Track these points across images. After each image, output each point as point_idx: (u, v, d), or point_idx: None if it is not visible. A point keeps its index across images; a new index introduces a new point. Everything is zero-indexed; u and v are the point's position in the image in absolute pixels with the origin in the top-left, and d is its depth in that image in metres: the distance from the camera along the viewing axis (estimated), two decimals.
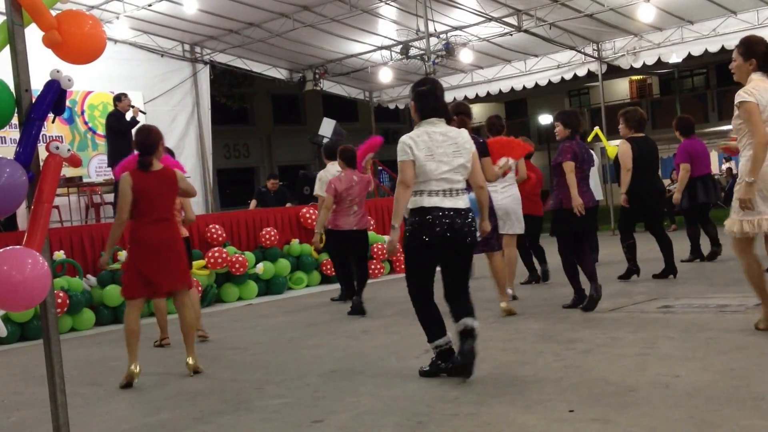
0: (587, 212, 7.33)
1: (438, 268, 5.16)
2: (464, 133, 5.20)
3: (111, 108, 12.54)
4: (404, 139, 5.09)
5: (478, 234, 5.19)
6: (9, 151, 5.77)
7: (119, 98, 12.18)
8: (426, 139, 5.03)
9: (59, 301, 8.60)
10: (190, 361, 5.97)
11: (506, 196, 8.08)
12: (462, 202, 5.05)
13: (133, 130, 7.92)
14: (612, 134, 15.82)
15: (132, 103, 12.06)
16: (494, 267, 7.39)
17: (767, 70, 5.44)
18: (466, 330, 4.99)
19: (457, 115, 6.57)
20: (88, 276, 9.42)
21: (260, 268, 10.89)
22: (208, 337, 7.49)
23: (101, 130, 14.88)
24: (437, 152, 5.00)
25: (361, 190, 8.63)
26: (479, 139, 6.96)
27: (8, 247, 3.50)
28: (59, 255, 9.12)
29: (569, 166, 7.30)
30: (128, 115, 11.88)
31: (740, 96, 5.33)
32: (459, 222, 4.98)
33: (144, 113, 12.50)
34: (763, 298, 5.58)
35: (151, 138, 6.04)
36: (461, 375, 4.93)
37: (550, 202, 7.67)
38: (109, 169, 14.73)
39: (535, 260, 9.69)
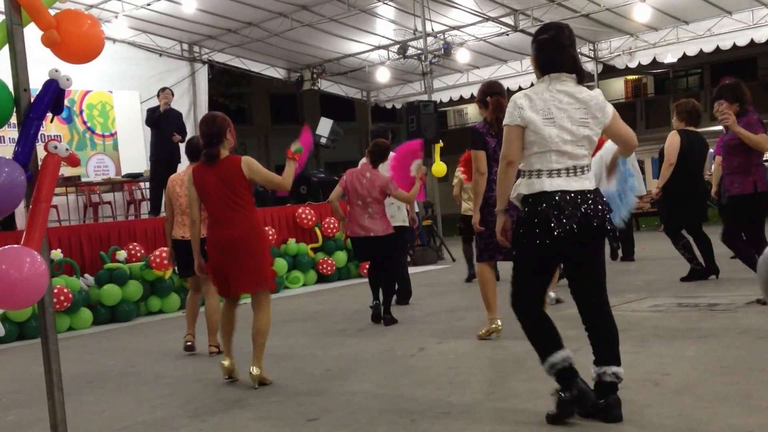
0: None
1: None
2: (598, 95, 4.03)
3: (109, 107, 12.66)
4: (517, 96, 3.99)
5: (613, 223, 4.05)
6: (7, 151, 5.77)
7: (158, 93, 12.44)
8: (547, 98, 3.91)
9: (62, 297, 8.65)
10: (254, 371, 5.30)
11: None
12: (589, 182, 3.94)
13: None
14: None
15: (167, 99, 12.20)
16: None
17: None
18: (607, 384, 3.88)
19: (492, 95, 6.13)
20: (86, 275, 9.46)
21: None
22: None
23: (100, 130, 14.95)
24: (558, 116, 3.88)
25: (374, 189, 7.51)
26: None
27: (6, 246, 3.52)
28: (56, 254, 9.14)
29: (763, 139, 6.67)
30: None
31: None
32: (594, 208, 3.86)
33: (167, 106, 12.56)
34: None
35: (214, 127, 5.38)
36: (609, 421, 3.86)
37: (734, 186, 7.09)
38: (107, 168, 14.80)
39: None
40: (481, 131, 6.15)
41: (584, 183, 3.90)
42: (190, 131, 16.74)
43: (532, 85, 15.00)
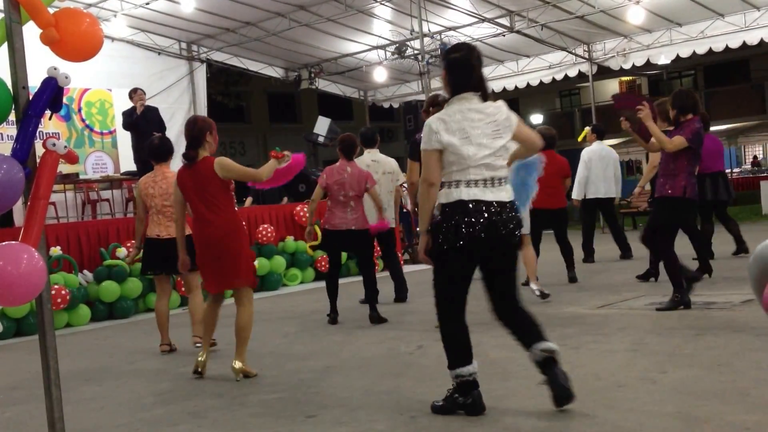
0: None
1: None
2: (502, 106, 4.29)
3: (108, 105, 12.68)
4: (431, 121, 4.20)
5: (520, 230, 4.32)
6: (6, 148, 5.77)
7: (130, 95, 12.37)
8: (459, 119, 4.14)
9: (59, 300, 8.66)
10: (236, 365, 5.49)
11: None
12: (506, 193, 4.21)
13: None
14: (603, 135, 15.86)
15: (141, 100, 12.18)
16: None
17: None
18: (547, 359, 4.15)
19: (434, 107, 6.35)
20: (84, 272, 9.46)
21: (255, 264, 10.93)
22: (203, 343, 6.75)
23: (98, 128, 14.96)
24: (473, 134, 4.12)
25: (356, 184, 7.70)
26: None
27: (4, 243, 3.53)
28: (55, 251, 9.15)
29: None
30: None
31: None
32: (503, 218, 4.12)
33: (153, 107, 12.57)
34: None
35: (195, 130, 5.57)
36: (562, 404, 4.09)
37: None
38: (106, 165, 14.80)
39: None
40: (419, 143, 6.33)
41: (500, 194, 4.16)
42: None
43: (528, 85, 15.09)
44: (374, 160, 8.83)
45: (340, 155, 7.88)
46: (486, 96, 4.26)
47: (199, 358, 5.72)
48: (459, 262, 4.16)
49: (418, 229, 6.54)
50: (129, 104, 12.50)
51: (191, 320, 6.87)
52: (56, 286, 8.63)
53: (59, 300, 8.65)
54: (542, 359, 4.15)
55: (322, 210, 8.06)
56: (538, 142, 4.47)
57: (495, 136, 4.17)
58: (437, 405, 4.31)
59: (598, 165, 10.99)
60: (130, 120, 12.09)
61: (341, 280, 8.08)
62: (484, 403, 4.20)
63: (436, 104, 6.46)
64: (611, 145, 11.06)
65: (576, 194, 11.13)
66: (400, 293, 8.85)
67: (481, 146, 4.12)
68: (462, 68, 4.26)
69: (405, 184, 9.28)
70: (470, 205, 4.08)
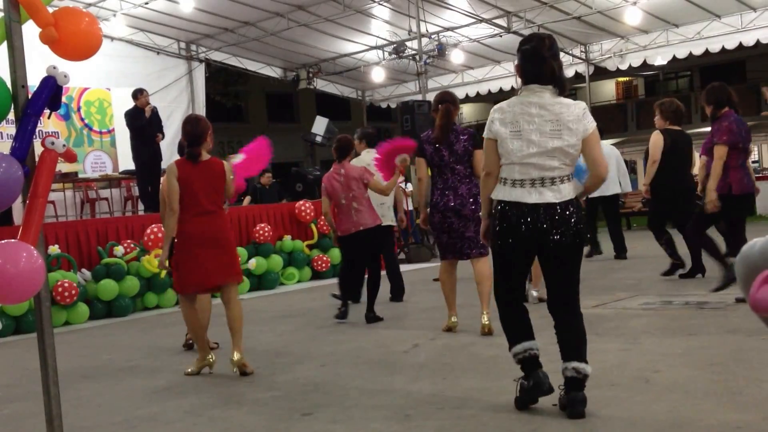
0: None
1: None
2: (576, 107, 4.01)
3: (107, 104, 12.68)
4: (494, 108, 4.12)
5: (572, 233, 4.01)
6: (5, 147, 5.80)
7: (135, 95, 12.39)
8: (517, 111, 3.99)
9: (66, 294, 8.80)
10: (235, 356, 5.58)
11: None
12: (554, 194, 3.94)
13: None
14: (601, 134, 15.92)
15: (148, 100, 12.27)
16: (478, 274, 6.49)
17: None
18: (575, 379, 3.98)
19: (442, 103, 6.43)
20: (83, 270, 9.48)
21: (252, 263, 10.97)
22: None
23: (97, 127, 14.98)
24: (526, 128, 3.94)
25: (353, 183, 7.60)
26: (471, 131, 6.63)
27: (3, 241, 3.55)
28: (54, 249, 9.17)
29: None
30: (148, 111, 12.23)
31: None
32: (549, 220, 3.93)
33: (153, 107, 12.62)
34: None
35: (199, 128, 5.78)
36: (570, 416, 3.99)
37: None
38: (105, 164, 14.80)
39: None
40: (422, 139, 6.59)
41: (547, 195, 3.93)
42: None
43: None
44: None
45: (334, 156, 7.84)
46: (562, 90, 4.04)
47: (210, 359, 5.81)
48: (508, 256, 4.08)
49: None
50: (128, 103, 12.52)
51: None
52: (66, 283, 8.80)
53: (67, 295, 8.80)
54: (570, 377, 3.99)
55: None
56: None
57: (552, 135, 3.92)
58: (517, 398, 4.18)
59: None
60: (140, 122, 12.09)
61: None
62: (549, 383, 4.05)
63: (443, 101, 6.46)
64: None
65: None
66: (396, 292, 8.88)
67: (530, 143, 3.93)
68: (531, 59, 4.06)
69: (402, 184, 9.31)
70: (508, 208, 3.98)
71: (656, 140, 8.47)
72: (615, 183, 11.21)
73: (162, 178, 6.88)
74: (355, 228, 7.59)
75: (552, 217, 3.92)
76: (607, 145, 11.68)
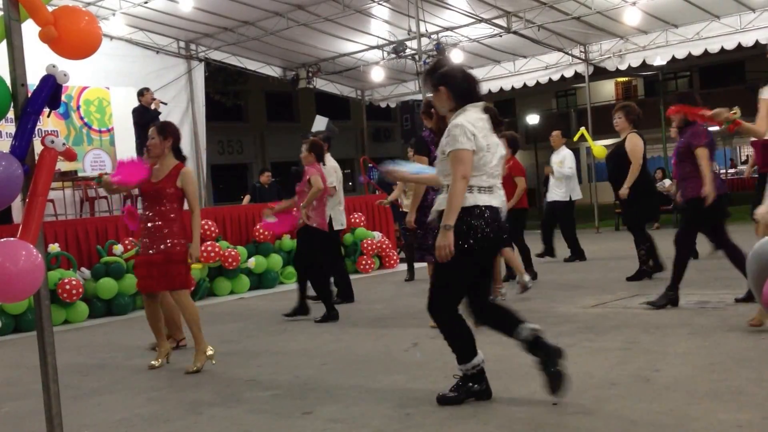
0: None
1: None
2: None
3: (106, 103, 12.69)
4: (463, 123, 4.29)
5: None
6: (5, 145, 5.80)
7: (141, 93, 12.63)
8: (481, 126, 4.34)
9: (73, 291, 8.92)
10: (208, 351, 5.97)
11: None
12: (501, 199, 4.44)
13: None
14: (597, 134, 16.02)
15: (153, 96, 12.41)
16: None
17: None
18: (536, 338, 4.28)
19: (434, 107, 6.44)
20: (82, 269, 9.49)
21: (252, 262, 10.99)
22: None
23: (96, 125, 14.98)
24: (492, 143, 4.37)
25: (307, 186, 8.12)
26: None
27: (3, 239, 3.55)
28: (54, 248, 9.18)
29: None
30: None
31: None
32: (502, 222, 4.40)
33: (165, 104, 12.80)
34: None
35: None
36: (557, 389, 4.19)
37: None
38: (104, 163, 14.82)
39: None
40: (426, 139, 6.64)
41: (500, 200, 4.41)
42: (185, 127, 16.82)
43: (524, 85, 15.07)
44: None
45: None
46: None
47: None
48: (473, 262, 4.31)
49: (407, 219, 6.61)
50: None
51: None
52: (74, 281, 8.93)
53: (75, 293, 8.92)
54: (532, 338, 4.26)
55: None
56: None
57: (499, 145, 4.44)
58: (448, 396, 4.38)
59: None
60: (148, 119, 12.16)
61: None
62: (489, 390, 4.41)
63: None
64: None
65: (568, 195, 11.43)
66: (346, 295, 9.03)
67: (494, 155, 4.37)
68: (468, 79, 4.51)
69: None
70: (483, 210, 4.28)
71: (638, 142, 8.63)
72: (577, 189, 11.50)
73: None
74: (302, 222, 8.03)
75: (503, 218, 4.41)
76: (566, 149, 11.80)
